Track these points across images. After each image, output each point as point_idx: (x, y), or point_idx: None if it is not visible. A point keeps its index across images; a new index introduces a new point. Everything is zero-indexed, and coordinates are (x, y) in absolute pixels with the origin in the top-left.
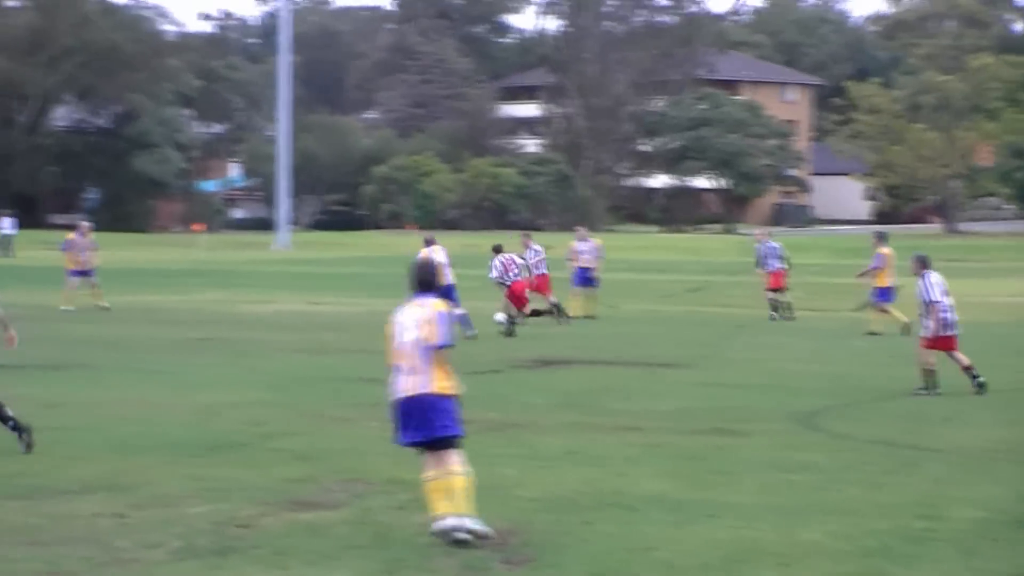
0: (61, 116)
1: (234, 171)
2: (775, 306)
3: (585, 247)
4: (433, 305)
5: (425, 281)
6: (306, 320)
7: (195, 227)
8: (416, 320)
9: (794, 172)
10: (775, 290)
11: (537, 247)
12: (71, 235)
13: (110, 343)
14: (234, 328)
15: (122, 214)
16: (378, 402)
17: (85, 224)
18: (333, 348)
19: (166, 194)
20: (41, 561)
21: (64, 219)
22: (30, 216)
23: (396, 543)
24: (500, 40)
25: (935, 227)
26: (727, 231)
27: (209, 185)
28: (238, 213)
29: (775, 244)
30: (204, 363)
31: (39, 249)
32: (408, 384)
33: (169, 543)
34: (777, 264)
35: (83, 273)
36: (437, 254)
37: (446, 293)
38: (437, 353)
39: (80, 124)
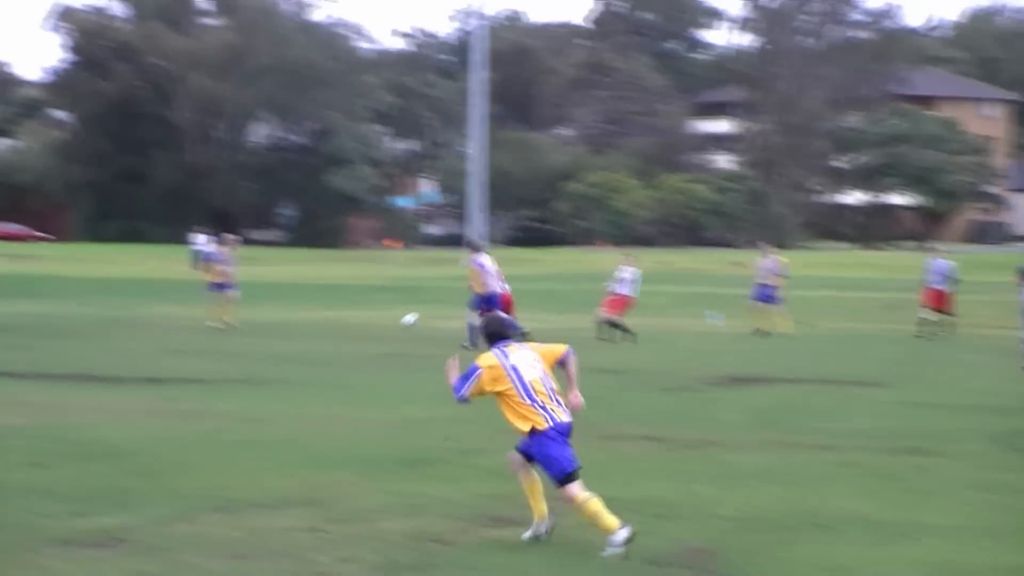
0: (258, 133)
1: (428, 187)
2: (925, 322)
3: (766, 263)
4: (531, 347)
5: (501, 333)
6: None
7: (387, 243)
8: (535, 359)
9: (992, 189)
10: (935, 308)
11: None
12: (216, 247)
13: (306, 359)
14: (428, 344)
15: (317, 230)
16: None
17: (231, 237)
18: None
19: (360, 210)
20: (241, 574)
21: (260, 235)
22: (228, 232)
23: (591, 561)
24: (694, 56)
25: None
26: (921, 248)
27: (403, 201)
28: (432, 229)
29: (945, 262)
30: (398, 378)
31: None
32: (561, 413)
33: (366, 558)
34: (939, 282)
35: (222, 286)
36: (485, 261)
37: (489, 301)
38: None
39: (277, 141)
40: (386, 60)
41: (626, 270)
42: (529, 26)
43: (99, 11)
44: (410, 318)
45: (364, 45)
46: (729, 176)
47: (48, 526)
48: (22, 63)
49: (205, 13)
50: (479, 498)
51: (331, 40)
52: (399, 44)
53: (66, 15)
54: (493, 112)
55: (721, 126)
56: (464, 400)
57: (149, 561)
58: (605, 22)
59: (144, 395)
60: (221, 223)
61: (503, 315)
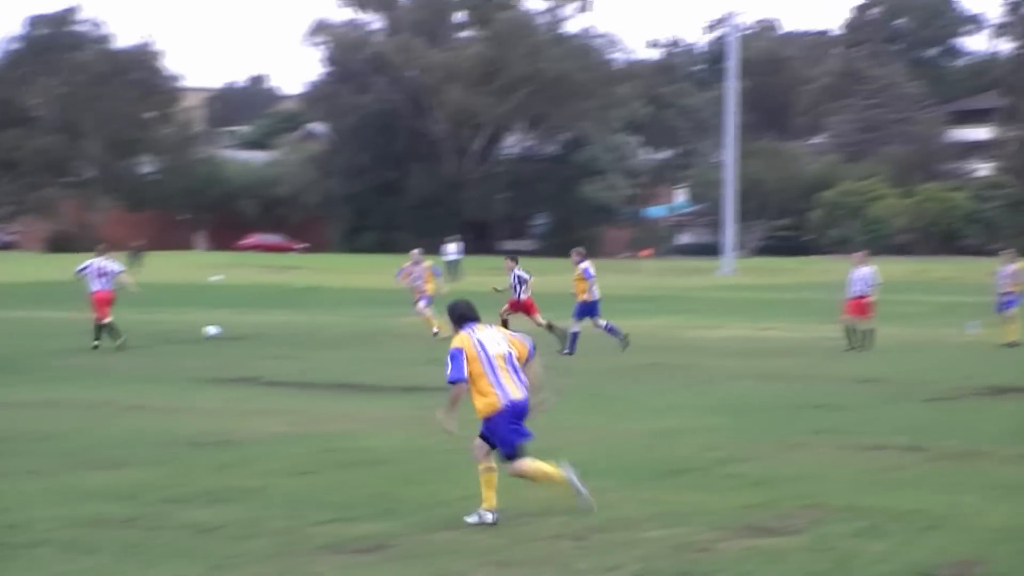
0: (511, 144)
1: (680, 197)
2: None
3: (1007, 271)
4: (498, 328)
5: (470, 316)
6: (755, 346)
7: (642, 253)
8: (501, 338)
9: None
10: None
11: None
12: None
13: (563, 369)
14: (683, 354)
15: (569, 240)
16: (835, 427)
17: (416, 252)
18: (785, 374)
19: (613, 220)
20: None
21: (512, 245)
22: (481, 242)
23: (855, 571)
24: (951, 63)
25: None
26: None
27: (655, 211)
28: (684, 239)
29: None
30: (656, 388)
31: (484, 275)
32: (516, 391)
33: (629, 566)
34: None
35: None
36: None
37: (590, 310)
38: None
39: (530, 152)
40: (640, 70)
41: (860, 270)
42: (783, 35)
43: (356, 25)
44: (212, 329)
45: (618, 55)
46: (987, 184)
47: (314, 532)
48: (282, 78)
49: (461, 26)
50: (740, 508)
51: (585, 51)
52: (653, 54)
53: (324, 29)
54: (746, 121)
55: (979, 133)
56: (460, 380)
57: (413, 567)
58: (860, 29)
59: (405, 404)
60: (475, 234)
61: (467, 303)
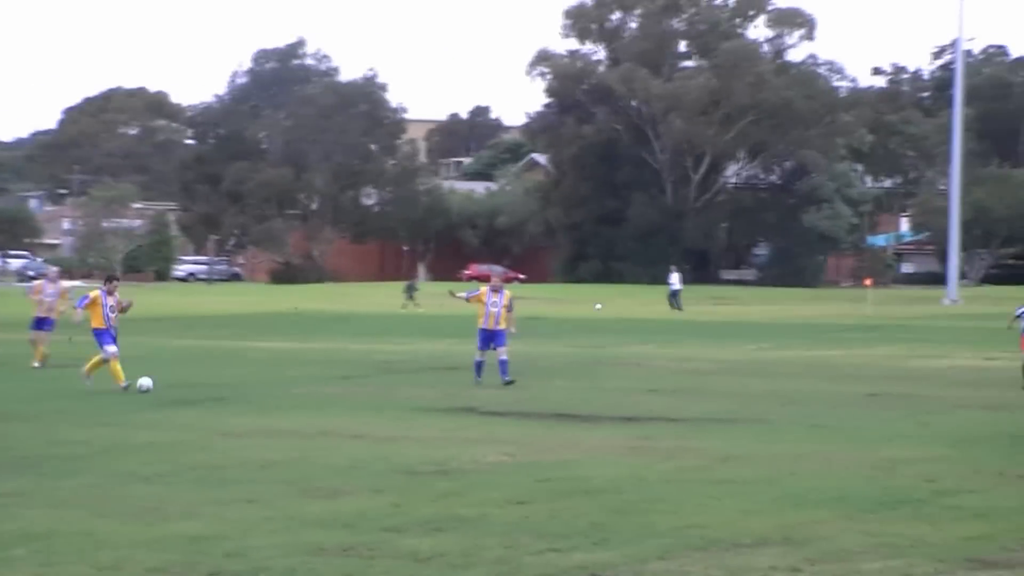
0: (733, 174)
1: (904, 225)
2: None
3: None
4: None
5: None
6: (980, 376)
7: (866, 281)
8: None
9: None
10: None
11: None
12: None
13: (783, 397)
14: (906, 383)
15: (792, 269)
16: None
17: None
18: (1010, 404)
19: (836, 249)
20: None
21: (734, 274)
22: (702, 271)
23: None
24: None
25: None
26: None
27: (879, 240)
28: (908, 267)
29: None
30: (878, 418)
31: (706, 304)
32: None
33: None
34: None
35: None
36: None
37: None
38: None
39: (751, 181)
40: (864, 97)
41: None
42: (1012, 60)
43: (579, 56)
44: (145, 382)
45: (842, 83)
46: None
47: (528, 561)
48: (504, 109)
49: (685, 55)
50: (961, 540)
51: (808, 79)
52: (878, 81)
53: (547, 60)
54: (973, 148)
55: None
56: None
57: None
58: None
59: (622, 433)
60: (696, 263)
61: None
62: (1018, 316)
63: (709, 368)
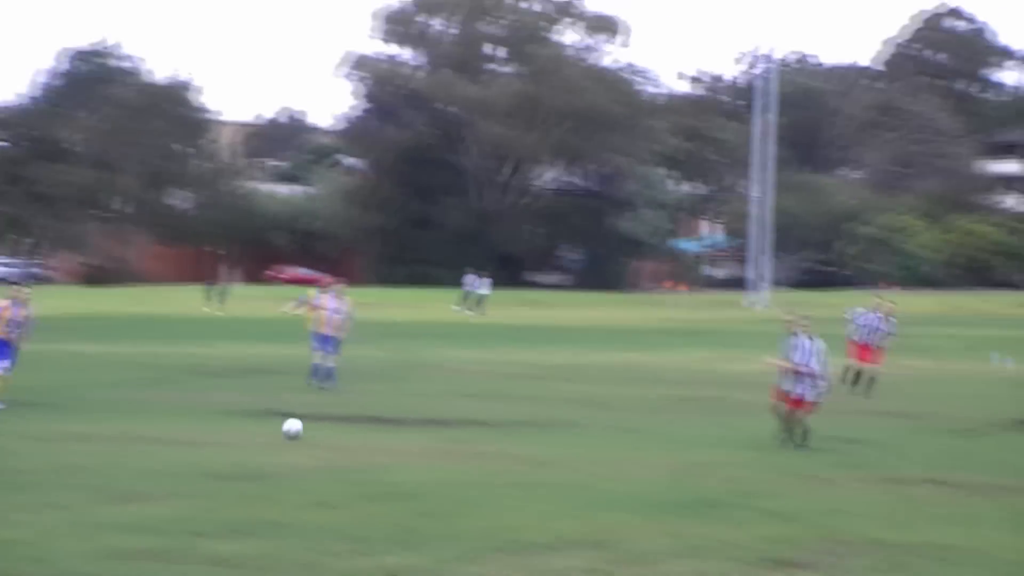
0: (545, 178)
1: (714, 230)
2: None
3: None
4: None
5: None
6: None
7: (668, 285)
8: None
9: None
10: None
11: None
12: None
13: (592, 402)
14: (713, 387)
15: (601, 273)
16: (859, 461)
17: (328, 279)
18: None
19: (644, 253)
20: None
21: (544, 278)
22: (513, 275)
23: None
24: (985, 96)
25: None
26: None
27: (690, 245)
28: (719, 272)
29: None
30: (685, 421)
31: (512, 308)
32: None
33: None
34: None
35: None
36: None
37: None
38: None
39: (563, 185)
40: (673, 104)
41: (872, 316)
42: (817, 68)
43: (391, 59)
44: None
45: (652, 89)
46: (1021, 217)
47: (332, 564)
48: (315, 111)
49: (496, 60)
50: (762, 541)
51: (619, 85)
52: (686, 88)
53: (359, 63)
54: (780, 154)
55: (1012, 167)
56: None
57: None
58: (894, 63)
59: (431, 437)
60: (507, 267)
61: None
62: (853, 320)
63: (520, 372)
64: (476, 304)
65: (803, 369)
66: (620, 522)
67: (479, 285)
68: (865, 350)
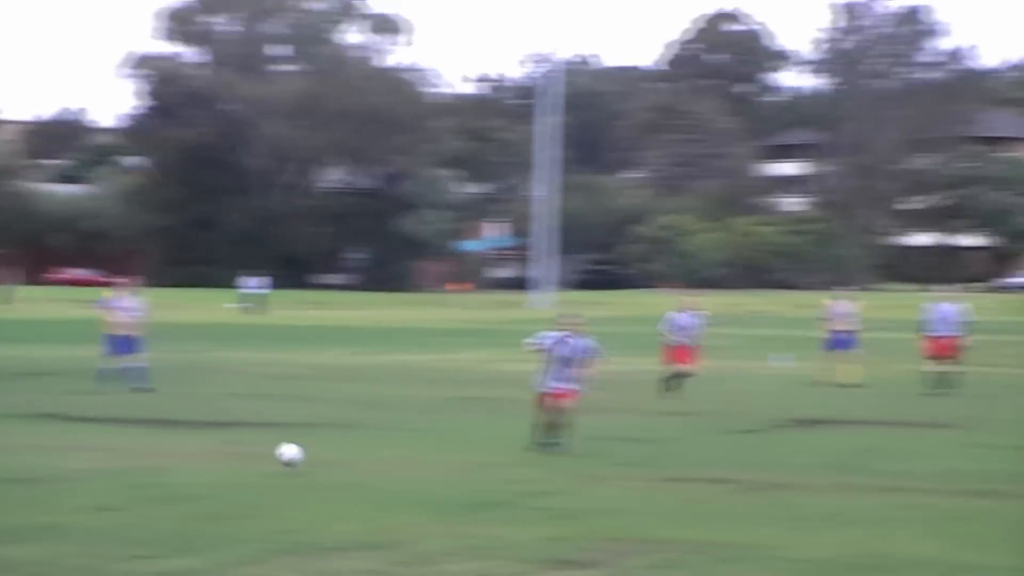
0: (329, 178)
1: (496, 231)
2: (934, 375)
3: (839, 308)
4: None
5: None
6: None
7: (451, 286)
8: None
9: None
10: (943, 357)
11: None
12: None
13: (375, 402)
14: (494, 387)
15: (386, 274)
16: (643, 460)
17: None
18: (593, 407)
19: (429, 254)
20: None
21: (329, 279)
22: (295, 276)
23: None
24: (765, 99)
25: None
26: (992, 290)
27: (472, 245)
28: (503, 273)
29: (950, 307)
30: (465, 422)
31: (296, 309)
32: None
33: None
34: (946, 330)
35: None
36: None
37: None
38: None
39: (347, 186)
40: (458, 105)
41: (683, 316)
42: (600, 70)
43: (174, 58)
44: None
45: (436, 90)
46: (798, 218)
47: (111, 569)
48: (96, 109)
49: (279, 59)
50: (544, 541)
51: (403, 85)
52: (471, 89)
53: (141, 62)
54: (564, 155)
55: (791, 168)
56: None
57: None
58: (677, 65)
59: (212, 439)
60: (291, 267)
61: None
62: (668, 324)
63: (302, 373)
64: (256, 305)
65: (568, 364)
66: (403, 523)
67: (257, 285)
68: (682, 352)
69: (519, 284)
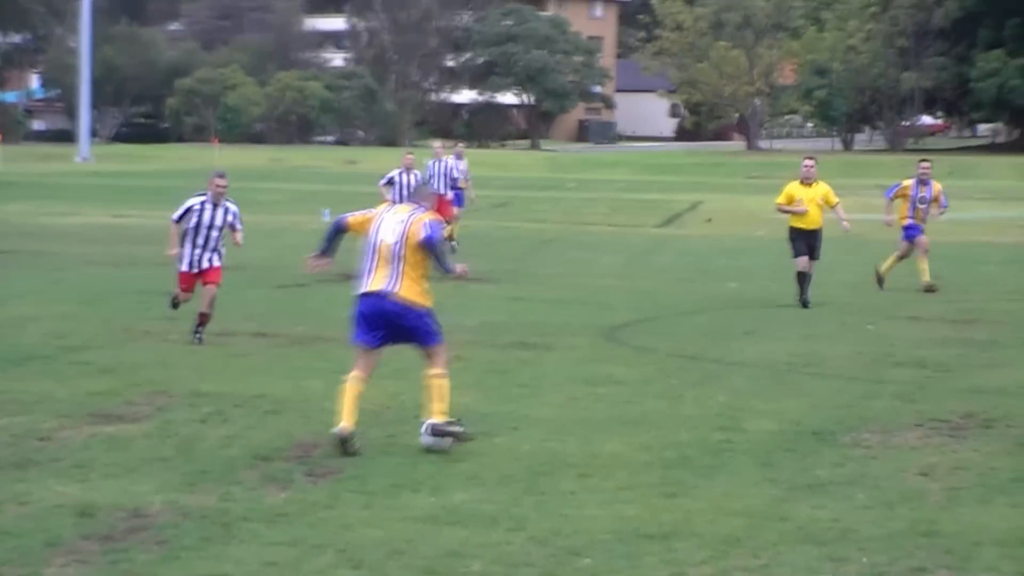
0: None
1: (35, 82)
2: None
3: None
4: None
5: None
6: (111, 233)
7: None
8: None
9: (600, 89)
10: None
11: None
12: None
13: None
14: (36, 240)
15: None
16: (182, 316)
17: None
18: (140, 261)
19: None
20: None
21: None
22: None
23: (198, 456)
24: None
25: (738, 144)
26: (533, 147)
27: (9, 96)
28: (38, 125)
29: (453, 163)
30: (6, 276)
31: None
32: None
33: None
34: (444, 188)
35: None
36: None
37: None
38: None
39: None
40: None
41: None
42: None
43: None
44: None
45: None
46: (342, 74)
47: None
48: None
49: None
50: (85, 395)
51: None
52: None
53: None
54: (102, 6)
55: (336, 23)
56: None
57: None
58: None
59: None
60: None
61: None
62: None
63: None
64: None
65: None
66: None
67: None
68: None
69: (57, 137)
